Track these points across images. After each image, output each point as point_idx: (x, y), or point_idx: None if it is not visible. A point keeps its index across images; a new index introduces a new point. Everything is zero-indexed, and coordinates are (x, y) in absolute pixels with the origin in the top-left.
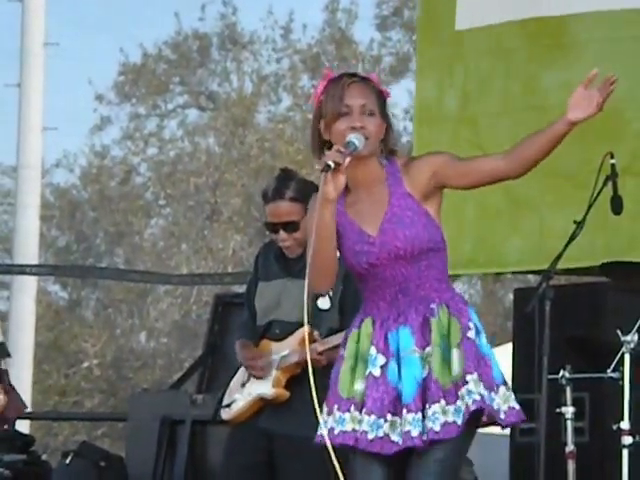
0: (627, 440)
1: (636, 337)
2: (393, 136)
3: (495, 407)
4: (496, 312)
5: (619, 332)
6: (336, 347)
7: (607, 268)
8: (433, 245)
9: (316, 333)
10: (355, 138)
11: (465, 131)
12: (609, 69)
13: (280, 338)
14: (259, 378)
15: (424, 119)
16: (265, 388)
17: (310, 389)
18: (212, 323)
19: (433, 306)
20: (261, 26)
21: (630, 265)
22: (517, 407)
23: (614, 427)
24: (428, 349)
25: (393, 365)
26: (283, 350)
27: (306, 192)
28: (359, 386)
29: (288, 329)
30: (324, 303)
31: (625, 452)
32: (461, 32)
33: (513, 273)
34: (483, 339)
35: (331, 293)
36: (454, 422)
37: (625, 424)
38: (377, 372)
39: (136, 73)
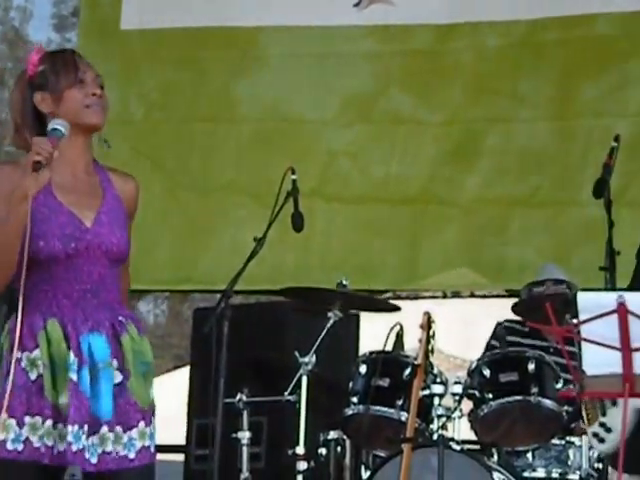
0: (302, 465)
1: (314, 358)
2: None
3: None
4: (182, 333)
5: (297, 353)
6: None
7: (286, 289)
8: (124, 259)
9: None
10: (59, 125)
11: (146, 139)
12: (291, 83)
13: None
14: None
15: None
16: None
17: None
18: None
19: (121, 319)
20: None
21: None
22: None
23: (289, 452)
24: (122, 364)
25: (85, 373)
26: None
27: None
28: (63, 399)
29: None
30: None
31: (300, 478)
32: (129, 32)
33: (201, 292)
34: None
35: None
36: (149, 447)
37: (300, 449)
38: (75, 377)
39: None
